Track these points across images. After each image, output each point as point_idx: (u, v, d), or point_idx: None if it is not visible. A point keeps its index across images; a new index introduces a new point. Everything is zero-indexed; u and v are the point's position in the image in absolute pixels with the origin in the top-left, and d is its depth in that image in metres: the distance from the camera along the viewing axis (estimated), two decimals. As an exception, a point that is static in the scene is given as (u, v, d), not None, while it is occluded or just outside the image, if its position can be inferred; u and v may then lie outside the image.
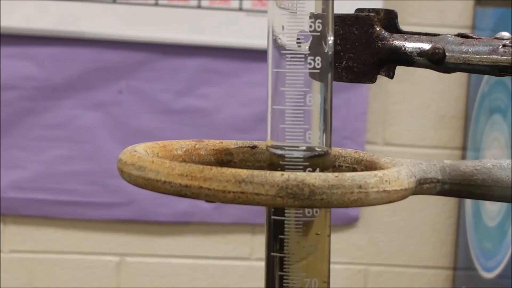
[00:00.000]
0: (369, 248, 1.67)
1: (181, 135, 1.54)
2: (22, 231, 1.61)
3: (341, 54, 0.56)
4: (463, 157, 1.64)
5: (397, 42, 0.56)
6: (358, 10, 0.57)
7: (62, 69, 1.56)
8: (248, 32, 1.55)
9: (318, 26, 0.48)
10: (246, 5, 1.55)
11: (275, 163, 0.49)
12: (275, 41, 0.48)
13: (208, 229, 1.63)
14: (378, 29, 0.56)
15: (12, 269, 1.61)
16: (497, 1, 1.59)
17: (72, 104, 1.57)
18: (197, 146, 0.55)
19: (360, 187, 0.45)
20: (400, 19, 0.57)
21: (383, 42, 0.56)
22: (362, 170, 0.51)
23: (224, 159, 0.55)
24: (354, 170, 0.54)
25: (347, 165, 0.54)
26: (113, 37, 1.55)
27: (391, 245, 1.67)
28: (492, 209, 1.52)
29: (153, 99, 1.57)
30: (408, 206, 1.65)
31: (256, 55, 1.56)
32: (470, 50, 0.53)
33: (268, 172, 0.45)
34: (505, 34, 0.53)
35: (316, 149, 0.49)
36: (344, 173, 0.45)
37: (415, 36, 0.55)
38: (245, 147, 0.56)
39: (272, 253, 0.50)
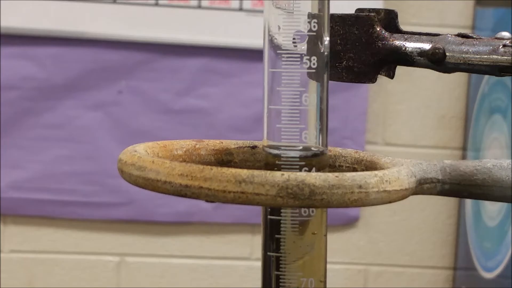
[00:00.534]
0: (369, 248, 1.67)
1: (181, 135, 1.54)
2: (22, 231, 1.61)
3: (341, 54, 0.56)
4: (463, 157, 1.64)
5: (397, 42, 0.56)
6: (358, 10, 0.57)
7: (62, 69, 1.56)
8: (248, 32, 1.55)
9: (314, 26, 0.48)
10: (246, 5, 1.55)
11: (271, 163, 0.49)
12: (271, 41, 0.48)
13: (208, 229, 1.63)
14: (378, 29, 0.56)
15: (12, 269, 1.61)
16: (497, 1, 1.59)
17: (72, 104, 1.57)
18: (197, 146, 0.55)
19: (360, 187, 0.45)
20: (400, 19, 0.57)
21: (383, 42, 0.56)
22: (362, 170, 0.51)
23: (224, 159, 0.55)
24: (354, 170, 0.54)
25: (347, 165, 0.54)
26: (113, 37, 1.55)
27: (391, 245, 1.67)
28: (492, 209, 1.52)
29: (153, 99, 1.57)
30: (408, 206, 1.65)
31: (256, 55, 1.56)
32: (470, 50, 0.53)
33: (268, 172, 0.45)
34: (505, 34, 0.53)
35: (312, 148, 0.49)
36: (344, 173, 0.45)
37: (415, 36, 0.55)
38: (245, 147, 0.56)
39: (268, 253, 0.50)
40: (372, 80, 0.57)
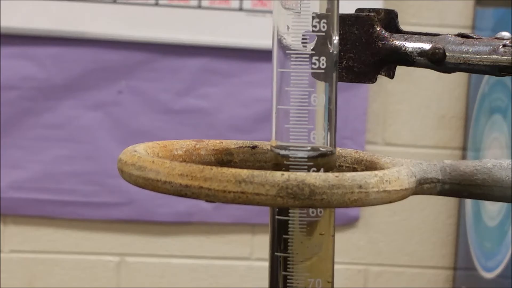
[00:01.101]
0: (369, 248, 1.67)
1: (181, 135, 1.54)
2: (22, 231, 1.61)
3: (341, 54, 0.56)
4: (463, 157, 1.64)
5: (397, 42, 0.56)
6: (358, 10, 0.57)
7: (62, 69, 1.56)
8: (248, 32, 1.55)
9: (323, 26, 0.48)
10: (246, 5, 1.55)
11: (280, 163, 0.49)
12: (280, 41, 0.48)
13: (208, 229, 1.63)
14: (378, 29, 0.56)
15: (12, 269, 1.61)
16: (497, 1, 1.59)
17: (72, 104, 1.57)
18: (197, 146, 0.55)
19: (360, 187, 0.45)
20: (400, 19, 0.57)
21: (383, 42, 0.56)
22: (363, 170, 0.51)
23: (224, 159, 0.55)
24: (355, 170, 0.54)
25: (348, 165, 0.54)
26: (113, 37, 1.55)
27: (391, 245, 1.67)
28: (492, 209, 1.52)
29: (153, 99, 1.57)
30: (408, 206, 1.65)
31: (256, 55, 1.56)
32: (470, 50, 0.53)
33: (268, 172, 0.45)
34: (505, 34, 0.53)
35: (321, 149, 0.49)
36: (345, 173, 0.45)
37: (415, 36, 0.55)
38: (245, 147, 0.56)
39: (276, 253, 0.50)
40: (372, 80, 0.57)
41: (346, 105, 1.59)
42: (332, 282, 0.50)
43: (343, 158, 0.54)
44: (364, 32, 0.56)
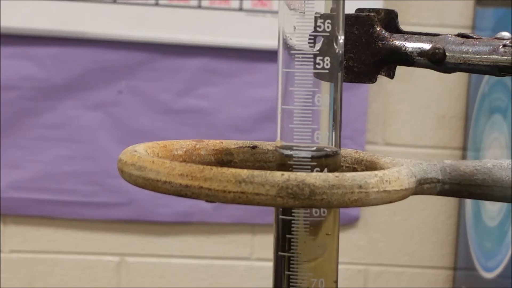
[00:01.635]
0: (369, 248, 1.67)
1: (181, 135, 1.54)
2: (22, 231, 1.61)
3: (341, 54, 0.56)
4: (463, 157, 1.64)
5: (398, 42, 0.56)
6: (358, 10, 0.57)
7: (62, 69, 1.56)
8: (248, 32, 1.55)
9: (328, 27, 0.48)
10: (246, 5, 1.55)
11: (284, 163, 0.49)
12: (285, 41, 0.49)
13: (208, 229, 1.63)
14: (378, 29, 0.56)
15: (12, 269, 1.61)
16: (497, 1, 1.59)
17: (72, 104, 1.57)
18: (197, 146, 0.55)
19: (360, 187, 0.45)
20: (400, 19, 0.57)
21: (383, 42, 0.56)
22: (363, 170, 0.51)
23: (224, 159, 0.55)
24: (355, 170, 0.54)
25: (348, 165, 0.54)
26: (113, 37, 1.55)
27: (391, 245, 1.67)
28: (492, 209, 1.52)
29: (153, 99, 1.57)
30: (408, 206, 1.65)
31: (256, 55, 1.56)
32: (470, 50, 0.53)
33: (268, 172, 0.45)
34: (505, 34, 0.53)
35: (325, 149, 0.49)
36: (345, 173, 0.45)
37: (416, 36, 0.55)
38: (245, 147, 0.56)
39: (279, 253, 0.50)
40: (372, 80, 0.57)
41: (346, 105, 1.58)
42: (337, 282, 0.50)
43: (343, 158, 0.54)
44: (364, 32, 0.56)
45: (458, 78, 1.64)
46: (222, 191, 0.45)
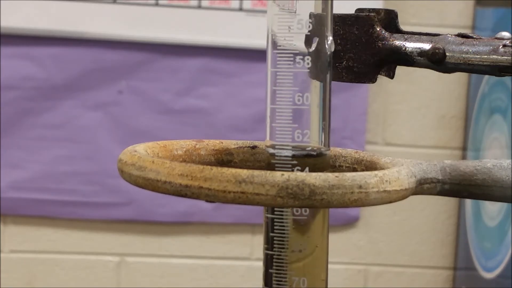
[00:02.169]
0: (369, 248, 1.67)
1: (181, 135, 1.54)
2: (22, 231, 1.61)
3: (341, 54, 0.56)
4: (463, 157, 1.64)
5: (397, 42, 0.56)
6: (358, 10, 0.57)
7: (62, 69, 1.56)
8: (248, 32, 1.55)
9: (312, 26, 0.48)
10: (246, 5, 1.55)
11: (269, 162, 0.49)
12: (273, 40, 0.49)
13: (208, 229, 1.63)
14: (378, 29, 0.56)
15: (12, 269, 1.61)
16: (497, 1, 1.59)
17: (72, 104, 1.57)
18: (197, 146, 0.55)
19: (360, 187, 0.45)
20: (400, 19, 0.57)
21: (383, 42, 0.56)
22: (362, 170, 0.51)
23: (224, 159, 0.55)
24: (354, 170, 0.54)
25: (347, 165, 0.54)
26: (113, 37, 1.55)
27: (391, 245, 1.67)
28: (492, 209, 1.52)
29: (153, 99, 1.57)
30: (408, 206, 1.65)
31: (256, 55, 1.56)
32: (470, 50, 0.53)
33: (268, 172, 0.45)
34: (505, 34, 0.53)
35: (308, 148, 0.49)
36: (344, 173, 0.45)
37: (415, 36, 0.55)
38: (245, 147, 0.56)
39: (265, 251, 0.50)
40: (372, 80, 0.57)
41: (346, 105, 1.59)
42: (325, 281, 0.50)
43: (343, 158, 0.54)
44: (364, 32, 0.56)
45: (458, 78, 1.64)
46: (222, 191, 0.45)
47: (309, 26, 0.48)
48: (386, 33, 0.56)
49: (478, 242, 1.57)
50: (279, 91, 0.49)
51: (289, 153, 0.49)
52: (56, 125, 1.57)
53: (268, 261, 0.50)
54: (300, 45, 0.48)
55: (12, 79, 1.55)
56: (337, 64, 0.56)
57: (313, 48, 0.48)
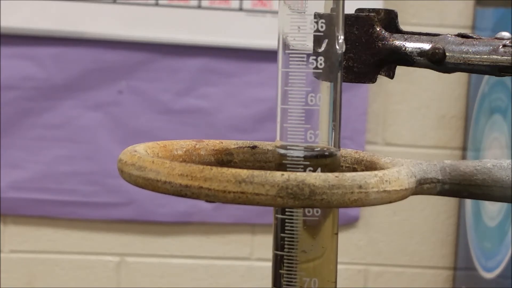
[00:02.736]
0: (369, 248, 1.67)
1: (181, 135, 1.54)
2: (22, 231, 1.61)
3: (341, 54, 0.56)
4: (463, 157, 1.64)
5: (397, 42, 0.56)
6: (358, 10, 0.57)
7: (62, 69, 1.56)
8: (248, 32, 1.55)
9: (323, 26, 0.48)
10: (246, 5, 1.55)
11: (281, 162, 0.49)
12: (283, 41, 0.49)
13: (208, 229, 1.63)
14: (378, 29, 0.56)
15: (12, 269, 1.61)
16: (497, 1, 1.59)
17: (72, 104, 1.57)
18: (197, 146, 0.55)
19: (360, 187, 0.45)
20: (400, 19, 0.57)
21: (383, 42, 0.56)
22: (362, 170, 0.51)
23: (224, 159, 0.55)
24: (354, 170, 0.54)
25: (347, 165, 0.54)
26: (113, 37, 1.55)
27: (391, 245, 1.67)
28: (492, 209, 1.52)
29: (153, 99, 1.57)
30: (408, 206, 1.65)
31: (256, 55, 1.56)
32: (470, 50, 0.53)
33: (268, 172, 0.45)
34: (505, 34, 0.53)
35: (319, 149, 0.49)
36: (344, 173, 0.45)
37: (415, 36, 0.55)
38: (245, 147, 0.56)
39: (275, 251, 0.50)
40: (372, 80, 0.57)
41: (346, 105, 1.59)
42: (335, 282, 0.50)
43: (343, 158, 0.54)
44: (364, 32, 0.56)
45: (458, 78, 1.64)
46: (222, 191, 0.45)
47: (321, 26, 0.48)
48: (386, 33, 0.56)
49: (478, 242, 1.57)
50: (291, 92, 0.49)
51: (301, 153, 0.49)
52: (56, 125, 1.57)
53: (278, 262, 0.50)
54: (314, 46, 0.48)
55: (12, 79, 1.55)
56: (337, 64, 0.56)
57: (323, 48, 0.48)
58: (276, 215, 0.50)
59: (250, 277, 1.64)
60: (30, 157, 1.57)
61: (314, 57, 0.48)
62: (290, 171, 0.48)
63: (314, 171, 0.48)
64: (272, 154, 0.52)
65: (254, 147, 0.56)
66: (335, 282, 0.50)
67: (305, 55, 0.48)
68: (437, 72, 0.56)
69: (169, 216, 1.61)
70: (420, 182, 0.50)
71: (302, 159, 0.49)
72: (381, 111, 1.64)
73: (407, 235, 1.67)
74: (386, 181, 0.46)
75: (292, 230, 0.49)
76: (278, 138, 0.49)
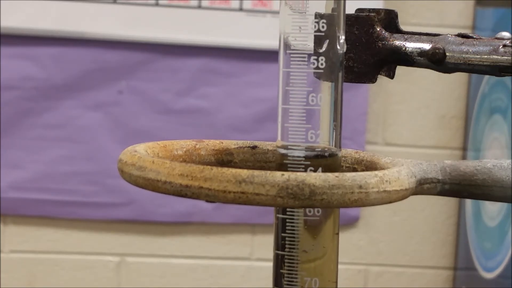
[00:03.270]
0: (369, 248, 1.67)
1: (181, 135, 1.54)
2: (22, 231, 1.61)
3: (342, 54, 0.56)
4: (463, 157, 1.64)
5: (398, 42, 0.56)
6: (358, 10, 0.57)
7: (62, 69, 1.56)
8: (248, 32, 1.55)
9: (324, 26, 0.48)
10: (246, 5, 1.55)
11: (282, 162, 0.49)
12: (284, 41, 0.49)
13: (208, 229, 1.63)
14: (378, 29, 0.56)
15: (12, 269, 1.61)
16: (497, 1, 1.59)
17: (72, 104, 1.57)
18: (197, 146, 0.55)
19: (360, 187, 0.45)
20: (400, 19, 0.57)
21: (383, 42, 0.56)
22: (363, 170, 0.51)
23: (224, 159, 0.55)
24: (355, 170, 0.54)
25: (348, 165, 0.54)
26: (113, 37, 1.55)
27: (391, 245, 1.67)
28: (492, 209, 1.52)
29: (153, 99, 1.57)
30: (408, 206, 1.65)
31: (256, 55, 1.56)
32: (470, 50, 0.53)
33: (269, 172, 0.45)
34: (505, 34, 0.53)
35: (320, 149, 0.49)
36: (345, 173, 0.45)
37: (416, 36, 0.56)
38: (246, 147, 0.56)
39: (276, 251, 0.50)
40: (372, 80, 0.57)
41: (346, 105, 1.59)
42: (336, 282, 0.50)
43: (343, 158, 0.54)
44: (364, 32, 0.56)
45: (458, 78, 1.64)
46: (222, 191, 0.45)
47: (322, 27, 0.48)
48: (386, 33, 0.56)
49: (478, 242, 1.57)
50: (292, 92, 0.49)
51: (302, 153, 0.49)
52: (56, 125, 1.57)
53: (279, 261, 0.50)
54: (315, 46, 0.48)
55: (12, 79, 1.55)
56: (337, 64, 0.56)
57: (324, 49, 0.48)
58: (277, 215, 0.50)
59: (250, 277, 1.64)
60: (30, 157, 1.57)
61: (315, 57, 0.48)
62: (291, 171, 0.48)
63: (315, 171, 0.48)
64: (273, 154, 0.52)
65: (254, 147, 0.56)
66: (336, 282, 0.50)
67: (306, 55, 0.48)
68: (437, 72, 0.56)
69: (169, 216, 1.61)
70: (420, 182, 0.50)
71: (303, 159, 0.49)
72: (381, 111, 1.64)
73: (407, 235, 1.67)
74: (386, 181, 0.46)
75: (293, 230, 0.49)
76: (279, 138, 0.49)
